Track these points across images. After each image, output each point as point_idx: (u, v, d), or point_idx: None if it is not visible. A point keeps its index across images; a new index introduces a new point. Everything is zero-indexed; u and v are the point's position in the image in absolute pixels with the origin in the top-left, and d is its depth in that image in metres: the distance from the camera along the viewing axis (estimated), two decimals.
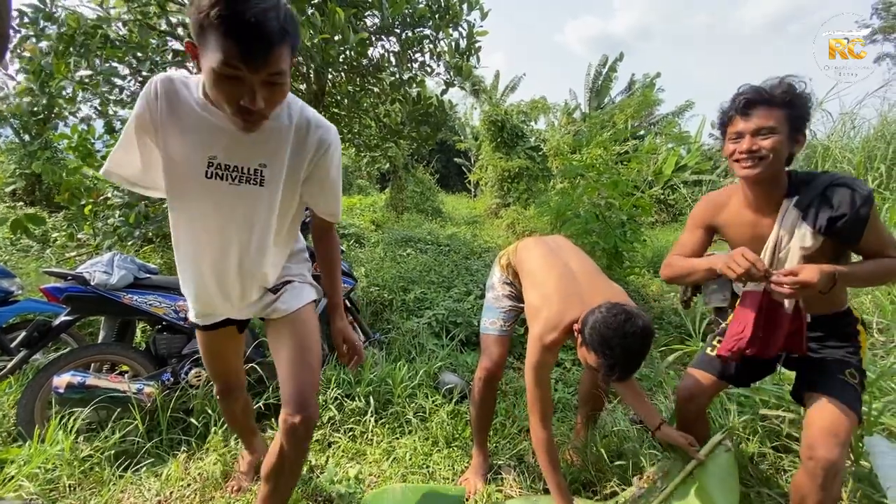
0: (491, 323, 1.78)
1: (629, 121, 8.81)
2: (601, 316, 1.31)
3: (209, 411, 2.03)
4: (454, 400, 2.27)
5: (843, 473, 1.33)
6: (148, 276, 2.19)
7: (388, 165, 8.71)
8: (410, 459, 1.91)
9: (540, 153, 8.84)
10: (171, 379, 2.09)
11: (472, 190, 13.12)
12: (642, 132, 11.08)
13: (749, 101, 1.27)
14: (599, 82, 11.54)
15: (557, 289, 1.52)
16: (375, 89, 4.28)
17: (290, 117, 1.11)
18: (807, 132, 1.31)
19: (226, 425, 1.97)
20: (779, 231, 1.30)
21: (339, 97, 4.41)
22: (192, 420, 2.00)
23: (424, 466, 1.89)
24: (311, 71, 3.88)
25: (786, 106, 1.25)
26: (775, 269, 1.26)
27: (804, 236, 1.25)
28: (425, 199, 9.04)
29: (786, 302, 1.31)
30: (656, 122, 11.57)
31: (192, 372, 2.12)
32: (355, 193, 10.93)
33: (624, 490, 1.66)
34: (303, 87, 4.32)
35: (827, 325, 1.40)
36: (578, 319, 1.39)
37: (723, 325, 1.64)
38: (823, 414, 1.28)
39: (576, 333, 1.39)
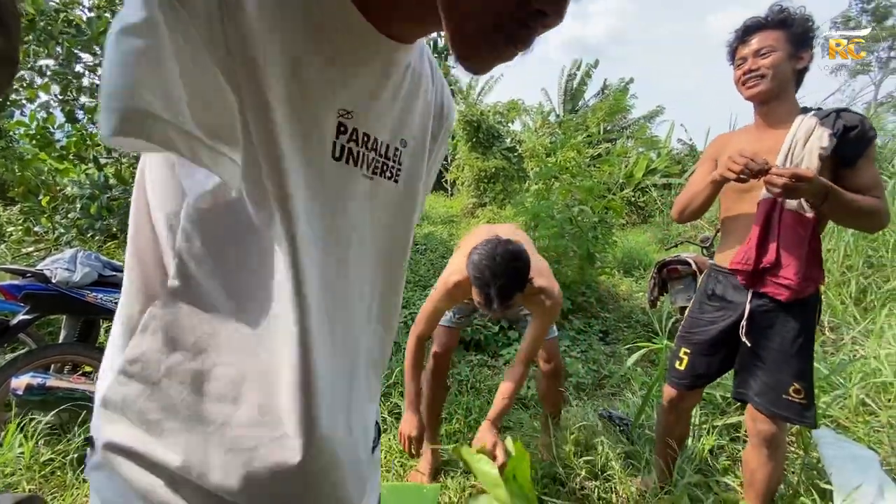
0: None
1: (602, 124, 9.02)
2: (476, 247, 1.38)
3: None
4: None
5: (784, 449, 1.45)
6: (114, 273, 2.12)
7: None
8: (385, 458, 1.92)
9: (516, 154, 8.94)
10: None
11: (449, 189, 13.16)
12: (614, 136, 11.37)
13: (748, 27, 1.37)
14: (574, 85, 11.76)
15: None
16: None
17: (427, 61, 0.58)
18: (811, 48, 1.35)
19: None
20: (793, 137, 1.32)
21: None
22: None
23: (399, 465, 1.90)
24: None
25: (782, 26, 1.33)
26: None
27: (822, 136, 1.27)
28: None
29: (790, 203, 1.31)
30: (628, 126, 11.88)
31: None
32: None
33: (590, 483, 1.73)
34: None
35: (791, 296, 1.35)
36: None
37: (683, 317, 1.71)
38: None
39: None
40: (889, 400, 2.20)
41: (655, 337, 2.99)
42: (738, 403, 2.10)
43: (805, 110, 1.37)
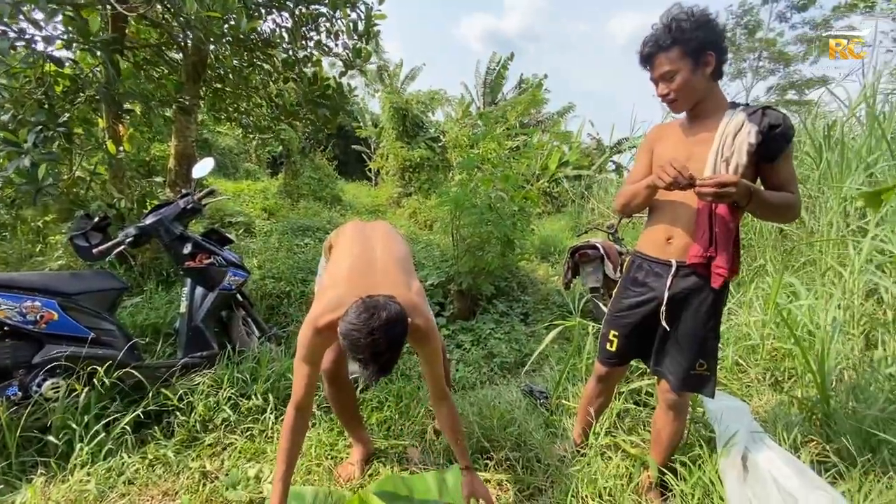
0: None
1: (519, 118, 9.41)
2: (348, 317, 1.24)
3: (73, 426, 1.77)
4: (359, 388, 2.28)
5: (687, 413, 1.65)
6: None
7: (280, 149, 8.18)
8: (315, 451, 1.88)
9: (440, 144, 9.03)
10: (19, 393, 1.77)
11: (373, 178, 12.94)
12: (528, 130, 11.94)
13: (646, 56, 1.41)
14: (492, 79, 12.10)
15: (349, 273, 1.46)
16: (266, 66, 3.99)
17: None
18: (713, 47, 1.36)
19: (94, 440, 1.74)
20: (723, 132, 1.37)
21: (223, 71, 4.02)
22: (51, 438, 1.73)
23: (329, 457, 1.87)
24: (188, 40, 3.49)
25: (676, 43, 1.34)
26: (718, 172, 1.36)
27: (750, 133, 1.32)
28: (323, 187, 8.66)
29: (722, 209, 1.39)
30: (543, 121, 12.52)
31: (48, 383, 1.82)
32: (243, 178, 10.07)
33: (515, 453, 1.85)
34: (179, 56, 3.86)
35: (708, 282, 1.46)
36: None
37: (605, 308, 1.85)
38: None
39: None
40: (756, 359, 2.60)
41: (570, 316, 3.22)
42: (641, 370, 2.36)
43: (733, 105, 1.45)
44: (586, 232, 4.61)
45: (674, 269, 1.50)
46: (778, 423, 1.91)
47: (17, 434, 1.68)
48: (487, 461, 1.86)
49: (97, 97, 3.13)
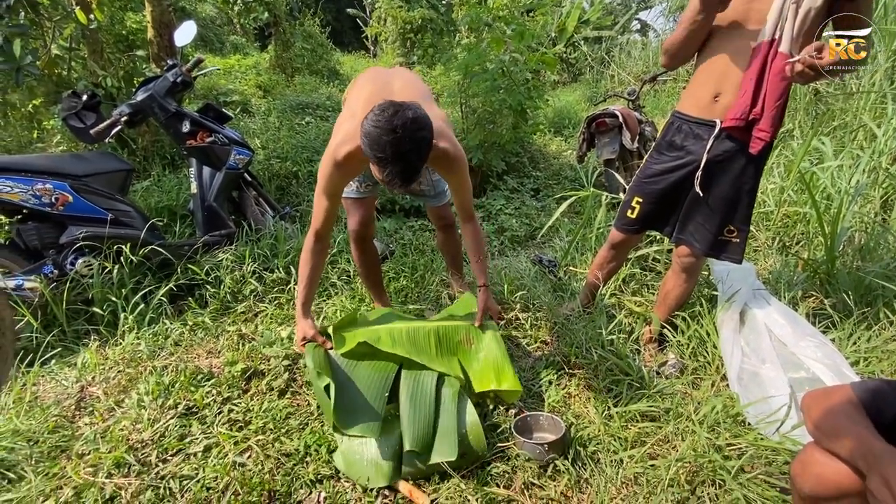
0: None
1: None
2: (370, 117, 1.14)
3: (113, 298, 1.90)
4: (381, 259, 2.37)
5: (697, 276, 1.70)
6: None
7: (266, 15, 7.36)
8: (339, 316, 2.03)
9: (443, 3, 8.03)
10: (55, 271, 1.88)
11: (372, 48, 11.86)
12: None
13: None
14: None
15: (366, 104, 1.35)
16: None
17: None
18: None
19: (137, 309, 1.89)
20: None
21: None
22: (96, 309, 1.88)
23: None
24: None
25: None
26: (785, 18, 1.23)
27: None
28: (318, 59, 7.96)
29: (784, 46, 1.26)
30: None
31: (81, 262, 1.92)
32: (231, 53, 9.28)
33: (524, 314, 1.97)
34: None
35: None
36: None
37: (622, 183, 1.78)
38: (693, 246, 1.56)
39: None
40: (768, 225, 2.60)
41: (582, 188, 3.18)
42: (651, 238, 2.38)
43: None
44: (605, 100, 4.30)
45: (717, 129, 1.40)
46: (780, 282, 1.98)
47: (64, 306, 1.82)
48: (498, 321, 2.00)
49: None
